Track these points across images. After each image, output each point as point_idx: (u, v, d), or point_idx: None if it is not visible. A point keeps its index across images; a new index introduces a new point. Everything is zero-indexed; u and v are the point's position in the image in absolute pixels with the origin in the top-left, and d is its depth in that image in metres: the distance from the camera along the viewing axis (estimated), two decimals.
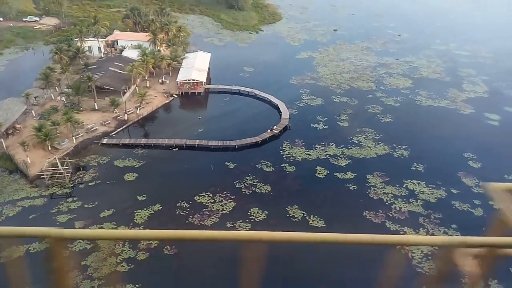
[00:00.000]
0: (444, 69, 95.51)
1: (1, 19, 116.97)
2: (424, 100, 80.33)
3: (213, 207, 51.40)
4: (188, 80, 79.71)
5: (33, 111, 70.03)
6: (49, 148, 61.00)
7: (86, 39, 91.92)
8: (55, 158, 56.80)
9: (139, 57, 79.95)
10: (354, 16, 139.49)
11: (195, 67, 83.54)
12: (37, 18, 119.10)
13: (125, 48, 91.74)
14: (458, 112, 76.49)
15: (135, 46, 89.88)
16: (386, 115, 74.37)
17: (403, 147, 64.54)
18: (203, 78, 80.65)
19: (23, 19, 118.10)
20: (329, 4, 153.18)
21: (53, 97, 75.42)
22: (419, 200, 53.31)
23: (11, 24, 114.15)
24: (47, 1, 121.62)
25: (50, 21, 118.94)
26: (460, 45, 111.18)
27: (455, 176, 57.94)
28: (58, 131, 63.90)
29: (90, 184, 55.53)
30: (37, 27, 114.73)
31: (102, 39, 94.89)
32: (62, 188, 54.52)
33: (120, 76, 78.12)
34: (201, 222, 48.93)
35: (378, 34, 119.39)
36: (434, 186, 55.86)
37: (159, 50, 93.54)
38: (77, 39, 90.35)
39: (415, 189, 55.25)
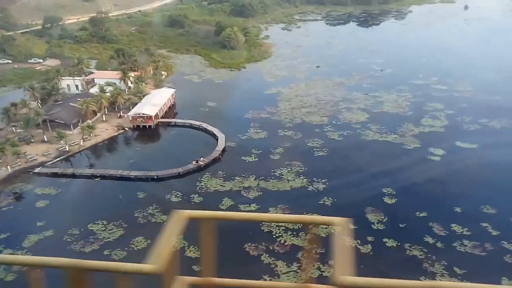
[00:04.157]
0: (410, 104, 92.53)
1: (10, 61, 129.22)
2: (371, 135, 78.03)
3: (100, 235, 52.65)
4: (138, 114, 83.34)
5: None
6: None
7: (62, 78, 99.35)
8: None
9: (96, 93, 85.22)
10: (346, 53, 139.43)
11: (151, 102, 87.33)
12: (41, 60, 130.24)
13: (94, 85, 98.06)
14: (401, 146, 73.44)
15: (107, 83, 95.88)
16: (323, 149, 73.03)
17: (323, 180, 62.86)
18: (153, 112, 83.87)
19: (28, 61, 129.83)
20: (326, 42, 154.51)
21: (14, 130, 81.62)
22: (308, 234, 51.24)
23: (16, 66, 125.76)
24: (51, 45, 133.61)
25: (52, 63, 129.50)
26: (441, 80, 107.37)
27: (361, 211, 55.37)
28: (0, 160, 69.11)
29: (3, 209, 58.97)
30: (38, 68, 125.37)
31: (78, 78, 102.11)
32: None
33: (77, 110, 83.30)
34: (81, 249, 50.18)
35: (360, 70, 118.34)
36: None
37: (129, 87, 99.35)
38: (53, 78, 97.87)
39: None
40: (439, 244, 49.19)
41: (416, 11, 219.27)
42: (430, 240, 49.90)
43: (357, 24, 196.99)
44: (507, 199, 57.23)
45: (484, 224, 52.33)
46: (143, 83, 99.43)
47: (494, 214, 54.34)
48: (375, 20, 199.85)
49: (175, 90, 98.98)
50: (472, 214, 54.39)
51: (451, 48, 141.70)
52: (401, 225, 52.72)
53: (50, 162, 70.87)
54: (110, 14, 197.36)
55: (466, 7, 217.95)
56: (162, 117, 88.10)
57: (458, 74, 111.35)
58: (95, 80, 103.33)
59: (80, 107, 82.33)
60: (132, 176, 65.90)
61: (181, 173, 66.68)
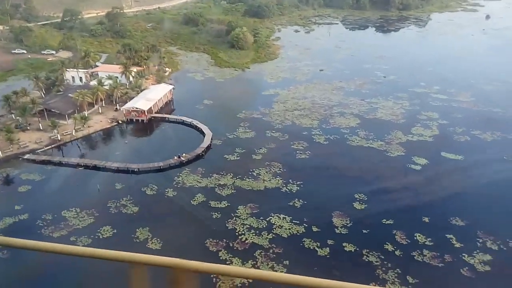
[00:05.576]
0: (405, 112, 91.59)
1: (25, 51, 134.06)
2: (357, 140, 77.79)
3: (71, 222, 54.69)
4: (132, 108, 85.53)
5: None
6: None
7: (67, 70, 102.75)
8: None
9: (94, 86, 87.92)
10: (353, 58, 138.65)
11: (146, 97, 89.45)
12: (54, 52, 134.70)
13: (97, 78, 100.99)
14: (385, 154, 72.96)
15: (109, 77, 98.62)
16: (305, 152, 73.36)
17: (298, 182, 63.28)
18: (146, 107, 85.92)
19: (42, 52, 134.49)
20: (335, 46, 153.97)
21: (13, 117, 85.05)
22: (271, 234, 52.07)
23: (29, 56, 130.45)
24: (64, 37, 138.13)
25: (64, 54, 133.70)
26: (442, 89, 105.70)
27: (327, 215, 55.65)
28: None
29: None
30: (50, 59, 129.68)
31: (82, 70, 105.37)
32: None
33: (74, 101, 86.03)
34: (50, 234, 52.27)
35: (363, 75, 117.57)
36: (298, 222, 54.22)
37: (130, 82, 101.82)
38: (59, 70, 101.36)
39: (276, 223, 54.04)
40: (397, 252, 49.03)
41: (436, 18, 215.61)
42: (389, 247, 49.78)
43: (374, 30, 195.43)
44: (479, 212, 56.41)
45: (449, 236, 51.78)
46: (143, 78, 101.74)
47: (462, 226, 53.69)
48: (391, 26, 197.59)
49: (173, 86, 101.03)
50: (439, 225, 53.86)
51: (462, 57, 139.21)
52: (364, 231, 52.70)
53: (40, 150, 73.69)
54: (130, 10, 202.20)
55: (487, 17, 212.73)
56: (156, 112, 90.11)
57: (462, 84, 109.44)
58: (99, 73, 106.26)
59: (76, 98, 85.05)
60: (113, 168, 67.89)
61: (161, 167, 68.27)
